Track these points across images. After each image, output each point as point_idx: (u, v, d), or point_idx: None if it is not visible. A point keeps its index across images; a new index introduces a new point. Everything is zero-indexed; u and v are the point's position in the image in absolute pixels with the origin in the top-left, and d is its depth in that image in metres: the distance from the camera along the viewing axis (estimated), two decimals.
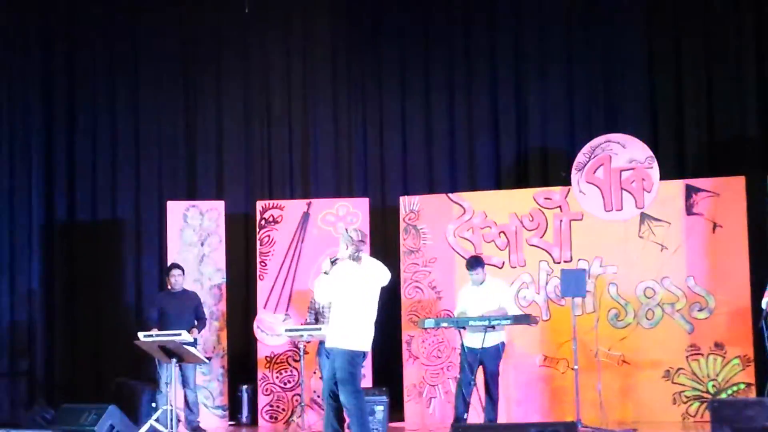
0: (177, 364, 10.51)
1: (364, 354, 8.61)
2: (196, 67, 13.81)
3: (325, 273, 8.58)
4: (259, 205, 12.75)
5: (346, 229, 8.74)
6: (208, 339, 12.29)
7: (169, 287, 11.61)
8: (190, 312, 11.44)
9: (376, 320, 11.96)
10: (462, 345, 10.27)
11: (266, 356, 12.40)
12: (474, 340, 10.22)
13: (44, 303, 13.35)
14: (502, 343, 10.36)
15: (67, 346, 13.34)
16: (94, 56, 13.76)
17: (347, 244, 8.57)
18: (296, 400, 11.84)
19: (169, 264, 11.96)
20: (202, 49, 13.81)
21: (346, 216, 12.46)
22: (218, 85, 13.79)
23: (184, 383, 11.17)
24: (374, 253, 12.26)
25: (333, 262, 8.56)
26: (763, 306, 9.74)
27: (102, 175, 13.64)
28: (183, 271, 11.69)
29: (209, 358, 11.91)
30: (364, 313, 8.59)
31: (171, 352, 10.10)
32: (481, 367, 10.26)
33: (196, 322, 11.41)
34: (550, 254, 11.94)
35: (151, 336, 10.30)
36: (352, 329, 8.50)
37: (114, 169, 13.66)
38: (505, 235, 12.10)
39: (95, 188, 13.64)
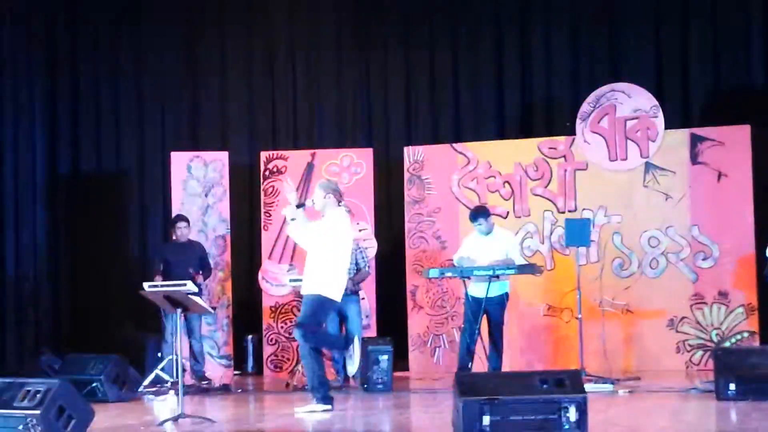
0: (182, 315, 10.53)
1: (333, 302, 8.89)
2: (199, 17, 13.75)
3: (292, 220, 8.80)
4: (263, 155, 12.73)
5: (328, 179, 8.86)
6: (213, 289, 12.33)
7: (175, 238, 11.62)
8: (195, 263, 11.44)
9: (381, 270, 12.12)
10: (466, 294, 10.28)
11: (271, 306, 12.44)
12: (478, 289, 10.22)
13: (49, 255, 13.39)
14: (506, 293, 10.37)
15: (72, 297, 13.39)
16: (98, 8, 13.68)
17: (331, 193, 8.77)
18: None
19: (174, 215, 11.96)
20: (204, 3, 13.71)
21: (351, 166, 12.44)
22: (221, 35, 13.73)
23: (190, 333, 11.21)
24: (378, 204, 12.38)
25: (300, 206, 8.68)
26: (767, 254, 9.73)
27: (105, 126, 13.64)
28: (188, 222, 11.68)
29: (214, 308, 11.94)
30: (343, 263, 8.85)
31: (176, 301, 10.09)
32: (485, 316, 10.27)
33: (200, 272, 11.42)
34: (554, 204, 11.93)
35: (156, 286, 10.29)
36: (332, 277, 8.75)
37: (117, 121, 13.65)
38: (509, 184, 12.09)
39: (99, 140, 13.64)
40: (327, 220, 8.81)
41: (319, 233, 8.76)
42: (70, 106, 13.62)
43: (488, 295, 10.08)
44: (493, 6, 13.13)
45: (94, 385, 9.70)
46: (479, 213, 10.53)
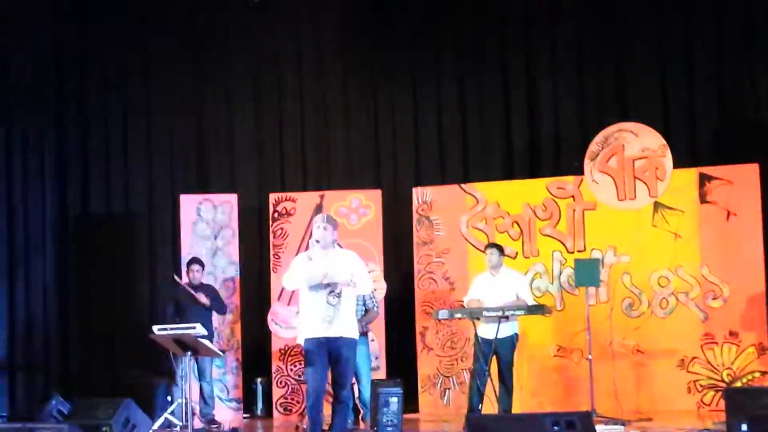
0: (193, 357, 10.53)
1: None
2: (207, 60, 13.78)
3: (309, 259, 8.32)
4: (272, 197, 12.76)
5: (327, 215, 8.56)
6: (222, 332, 12.32)
7: (187, 281, 11.62)
8: (211, 304, 11.45)
9: (391, 311, 12.07)
10: (476, 335, 10.26)
11: (280, 349, 12.41)
12: (488, 330, 10.21)
13: (59, 297, 13.40)
14: (516, 334, 10.35)
15: (82, 340, 13.37)
16: (106, 53, 13.76)
17: (330, 228, 8.35)
18: None
19: (188, 258, 11.97)
20: (211, 42, 13.78)
21: (359, 208, 12.45)
22: (229, 77, 13.76)
23: (200, 376, 11.19)
24: (387, 245, 12.35)
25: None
26: None
27: (115, 168, 13.67)
28: (203, 266, 11.72)
29: (223, 351, 11.93)
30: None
31: (186, 345, 10.11)
32: (495, 357, 10.25)
33: (216, 311, 11.42)
34: (563, 244, 11.92)
35: (165, 329, 10.31)
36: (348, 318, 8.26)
37: (126, 163, 13.68)
38: (518, 225, 12.09)
39: (108, 182, 13.67)
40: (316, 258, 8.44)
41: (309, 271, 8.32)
42: (79, 148, 13.66)
43: (498, 336, 10.06)
44: (500, 46, 13.16)
45: (103, 429, 9.64)
46: (495, 245, 10.61)
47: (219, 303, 11.64)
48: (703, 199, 11.53)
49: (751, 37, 12.26)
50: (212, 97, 13.78)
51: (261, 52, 13.76)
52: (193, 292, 11.25)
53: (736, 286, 11.29)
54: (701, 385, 11.31)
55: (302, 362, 12.03)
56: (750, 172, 11.38)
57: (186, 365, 10.24)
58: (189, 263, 11.72)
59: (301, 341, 8.45)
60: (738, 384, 11.04)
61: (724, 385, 11.06)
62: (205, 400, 11.30)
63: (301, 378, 12.24)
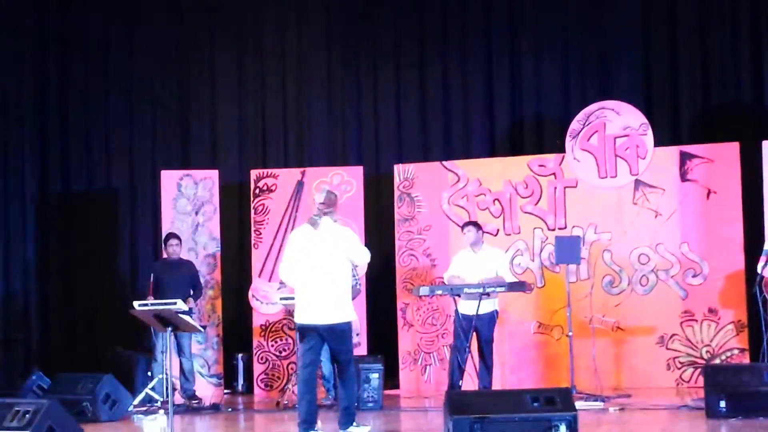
0: (172, 333, 10.51)
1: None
2: (190, 35, 13.75)
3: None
4: (254, 173, 12.73)
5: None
6: (203, 307, 12.31)
7: (166, 256, 11.62)
8: (186, 281, 11.44)
9: (372, 287, 12.07)
10: (456, 312, 10.28)
11: (261, 325, 12.42)
12: (468, 307, 10.22)
13: (39, 273, 13.39)
14: (496, 311, 10.38)
15: (62, 316, 13.37)
16: (88, 27, 13.71)
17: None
18: (291, 369, 11.86)
19: (166, 233, 11.96)
20: (195, 17, 13.74)
21: (341, 184, 12.44)
22: (212, 54, 13.73)
23: (180, 352, 11.19)
24: (369, 222, 12.34)
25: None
26: (759, 270, 9.74)
27: (96, 145, 13.65)
28: (180, 240, 11.70)
29: (204, 327, 11.93)
30: (326, 282, 8.23)
31: (166, 320, 10.07)
32: (475, 334, 10.27)
33: (192, 291, 11.41)
34: (544, 221, 11.95)
35: (146, 305, 10.30)
36: (330, 302, 8.24)
37: (107, 139, 13.66)
38: (499, 202, 12.11)
39: (89, 159, 13.65)
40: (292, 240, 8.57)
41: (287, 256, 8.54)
42: (60, 125, 13.62)
43: (479, 313, 10.08)
44: (484, 24, 13.13)
45: (84, 404, 9.68)
46: (471, 222, 10.62)
47: (199, 290, 11.58)
48: (683, 177, 11.56)
49: (735, 16, 12.25)
50: (195, 73, 13.74)
51: (244, 30, 13.71)
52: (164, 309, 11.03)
53: (716, 263, 11.34)
54: (680, 362, 11.37)
55: (281, 338, 12.17)
56: (730, 150, 11.41)
57: (166, 341, 10.24)
58: (166, 238, 11.70)
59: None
60: (717, 361, 11.10)
61: (703, 362, 11.11)
62: (186, 375, 11.31)
63: (282, 354, 12.27)
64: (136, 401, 10.72)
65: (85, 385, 9.84)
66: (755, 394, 8.63)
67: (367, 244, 12.01)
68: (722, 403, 8.64)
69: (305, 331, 8.33)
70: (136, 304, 10.27)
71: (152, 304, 10.35)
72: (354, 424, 8.39)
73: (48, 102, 13.62)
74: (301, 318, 8.31)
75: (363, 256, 8.48)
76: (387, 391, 10.81)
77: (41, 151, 13.54)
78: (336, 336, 8.26)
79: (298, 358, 8.61)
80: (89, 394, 9.73)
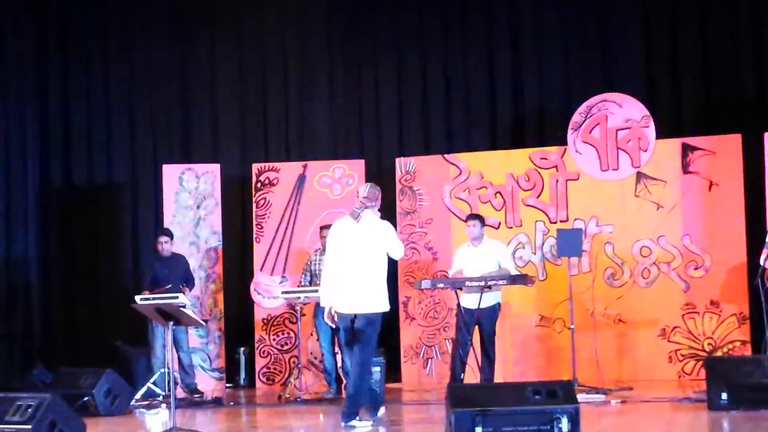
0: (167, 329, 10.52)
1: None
2: (191, 29, 13.74)
3: None
4: (255, 167, 12.73)
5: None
6: (204, 302, 12.31)
7: (157, 253, 11.61)
8: (178, 276, 11.40)
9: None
10: (458, 305, 10.27)
11: (263, 318, 12.42)
12: (470, 300, 10.21)
13: (41, 267, 13.39)
14: (498, 303, 10.37)
15: (64, 310, 13.37)
16: (88, 20, 13.69)
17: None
18: (293, 362, 11.86)
19: (157, 230, 11.96)
20: (196, 11, 13.72)
21: (342, 178, 12.45)
22: (213, 47, 13.72)
23: (177, 346, 11.18)
24: None
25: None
26: (761, 263, 9.71)
27: (97, 139, 13.65)
28: (171, 237, 11.64)
29: (206, 321, 11.92)
30: (365, 274, 8.50)
31: (167, 314, 10.08)
32: (477, 327, 10.27)
33: (184, 283, 11.40)
34: (546, 214, 11.94)
35: (148, 299, 10.29)
36: (369, 292, 8.49)
37: (109, 133, 13.65)
38: (501, 195, 12.10)
39: (91, 153, 13.64)
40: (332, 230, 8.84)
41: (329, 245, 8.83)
42: (62, 118, 13.61)
43: (481, 306, 10.08)
44: (485, 17, 13.12)
45: (85, 399, 9.68)
46: (476, 216, 10.60)
47: (190, 283, 11.56)
48: (685, 169, 11.55)
49: (737, 7, 12.22)
50: (196, 67, 13.73)
51: (245, 24, 13.70)
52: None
53: (718, 256, 11.32)
54: (682, 355, 11.36)
55: (283, 332, 12.17)
56: (732, 142, 11.39)
57: (166, 335, 10.24)
58: (157, 235, 11.67)
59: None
60: (719, 353, 11.09)
61: (704, 354, 11.10)
62: (185, 370, 11.30)
63: (284, 348, 12.26)
64: (138, 395, 10.72)
65: (86, 379, 9.85)
66: (757, 387, 8.62)
67: None
68: (724, 396, 8.63)
69: (343, 321, 8.58)
70: (137, 298, 10.27)
71: (154, 298, 10.34)
72: (357, 417, 8.42)
73: (49, 96, 13.60)
74: (341, 308, 8.55)
75: (400, 250, 8.78)
76: (389, 385, 10.80)
77: (42, 145, 13.52)
78: (367, 321, 8.48)
79: (340, 344, 8.77)
80: (91, 389, 9.73)
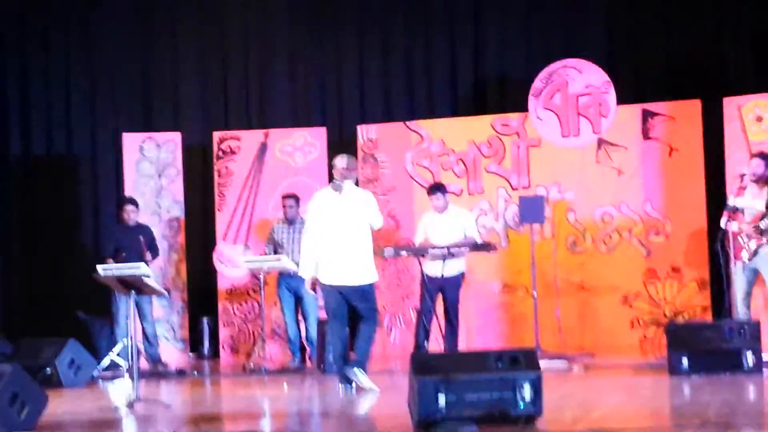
0: (134, 298, 10.47)
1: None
2: (153, 2, 13.59)
3: None
4: (216, 135, 12.65)
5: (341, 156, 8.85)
6: (167, 271, 12.26)
7: (122, 222, 11.53)
8: (141, 245, 11.31)
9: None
10: (422, 274, 10.29)
11: (226, 288, 12.38)
12: (434, 268, 10.24)
13: (0, 237, 13.24)
14: (462, 272, 10.40)
15: (24, 281, 13.26)
16: None
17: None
18: (257, 332, 11.85)
19: (119, 199, 11.87)
20: None
21: (304, 146, 12.41)
22: (174, 14, 13.60)
23: (141, 316, 11.13)
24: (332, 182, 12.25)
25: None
26: (722, 225, 9.77)
27: (56, 108, 13.50)
28: (137, 205, 11.56)
29: (168, 291, 11.87)
30: (351, 244, 8.58)
31: (130, 284, 10.03)
32: (441, 295, 10.30)
33: (148, 252, 11.33)
34: (508, 181, 11.96)
35: (110, 269, 10.23)
36: (356, 263, 8.59)
37: (68, 102, 13.51)
38: (463, 162, 12.10)
39: (50, 122, 13.50)
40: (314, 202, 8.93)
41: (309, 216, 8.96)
42: (19, 88, 13.44)
43: (445, 275, 10.11)
44: None
45: (47, 370, 9.63)
46: (438, 188, 10.57)
47: (155, 252, 11.50)
48: (645, 135, 11.59)
49: None
50: (156, 35, 13.60)
51: None
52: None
53: (678, 222, 11.40)
54: (644, 321, 11.44)
55: (247, 302, 12.13)
56: (692, 108, 11.43)
57: (128, 306, 10.21)
58: (123, 203, 11.58)
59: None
60: (679, 319, 11.19)
61: (666, 320, 11.19)
62: (149, 340, 11.25)
63: (248, 318, 12.24)
64: (101, 366, 10.67)
65: (48, 350, 9.79)
66: (717, 352, 8.72)
67: None
68: (684, 361, 8.72)
69: (329, 292, 8.67)
70: (99, 268, 10.21)
71: (116, 269, 10.28)
72: (363, 372, 8.61)
73: (7, 66, 13.42)
74: (327, 279, 8.65)
75: (380, 220, 8.86)
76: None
77: (1, 117, 13.36)
78: (361, 295, 8.64)
79: (331, 317, 8.87)
80: (53, 359, 9.68)
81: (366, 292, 8.67)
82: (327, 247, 8.62)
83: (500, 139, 11.99)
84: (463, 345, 10.77)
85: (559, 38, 12.62)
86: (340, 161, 8.78)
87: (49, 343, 9.93)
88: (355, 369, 8.61)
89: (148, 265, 10.79)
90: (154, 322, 11.46)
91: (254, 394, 9.26)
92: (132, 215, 11.41)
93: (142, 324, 11.17)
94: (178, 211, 12.53)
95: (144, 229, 11.51)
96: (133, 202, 11.56)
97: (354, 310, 8.80)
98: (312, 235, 8.72)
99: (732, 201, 9.71)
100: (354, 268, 8.59)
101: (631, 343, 11.33)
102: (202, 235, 12.97)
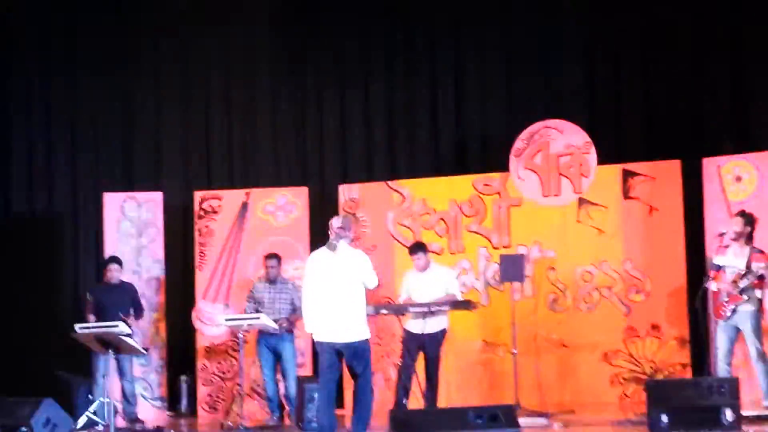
0: (114, 356, 10.42)
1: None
2: (134, 58, 13.66)
3: None
4: (198, 195, 12.66)
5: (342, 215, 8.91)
6: (146, 330, 12.19)
7: (105, 280, 11.50)
8: (127, 304, 11.30)
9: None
10: (404, 330, 10.29)
11: (206, 346, 12.32)
12: (416, 325, 10.23)
13: None
14: (444, 329, 10.38)
15: (2, 340, 13.14)
16: (31, 47, 13.57)
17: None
18: (236, 390, 11.77)
19: (106, 257, 11.85)
20: (140, 38, 13.67)
21: (286, 205, 12.41)
22: (156, 73, 13.67)
23: (121, 375, 11.07)
24: (314, 241, 12.27)
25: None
26: (705, 284, 9.81)
27: (38, 167, 13.50)
28: (120, 264, 11.57)
29: (147, 349, 11.80)
30: (346, 302, 8.61)
31: (108, 343, 9.99)
32: (421, 352, 10.27)
33: (134, 312, 11.29)
34: (489, 240, 11.97)
35: (87, 327, 10.18)
36: (350, 321, 8.60)
37: (49, 161, 13.52)
38: (444, 221, 12.12)
39: (31, 181, 13.49)
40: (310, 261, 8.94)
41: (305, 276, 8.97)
42: (1, 146, 13.45)
43: (427, 332, 10.10)
44: (428, 44, 13.18)
45: (23, 429, 9.50)
46: (419, 248, 10.60)
47: (140, 311, 11.48)
48: (626, 194, 11.64)
49: (675, 35, 12.36)
50: (139, 95, 13.65)
51: (189, 50, 13.67)
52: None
53: (658, 280, 11.41)
54: (624, 378, 11.41)
55: (226, 360, 12.06)
56: (672, 168, 11.50)
57: (107, 364, 10.14)
58: (107, 262, 11.59)
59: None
60: (659, 376, 11.15)
61: (646, 377, 11.16)
62: (128, 398, 11.18)
63: (225, 375, 12.17)
64: (78, 425, 10.56)
65: (24, 409, 9.65)
66: (697, 409, 8.68)
67: None
68: (664, 418, 8.68)
69: (324, 350, 8.68)
70: (77, 326, 10.15)
71: (94, 327, 10.24)
72: None
73: None
74: (321, 336, 8.67)
75: (374, 280, 8.87)
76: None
77: None
78: (355, 353, 8.63)
79: (321, 374, 8.85)
80: (29, 419, 9.54)
81: (360, 349, 8.66)
82: (321, 305, 8.66)
83: (482, 199, 12.03)
84: (443, 402, 10.69)
85: (540, 99, 12.72)
86: (336, 221, 8.89)
87: (25, 402, 9.80)
88: None
89: (131, 324, 10.78)
90: (134, 381, 11.38)
91: None
92: (116, 274, 11.41)
93: (121, 382, 11.09)
94: (158, 270, 12.50)
95: (127, 288, 11.49)
96: (117, 261, 11.57)
97: (350, 369, 8.77)
98: (308, 293, 8.77)
99: (716, 260, 9.78)
100: (348, 325, 8.61)
101: (611, 401, 11.28)
102: (182, 294, 12.90)
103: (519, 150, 11.74)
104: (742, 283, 9.71)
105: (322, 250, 8.82)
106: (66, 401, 10.84)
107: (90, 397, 11.12)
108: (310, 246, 12.22)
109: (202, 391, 12.26)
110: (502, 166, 11.88)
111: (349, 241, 8.84)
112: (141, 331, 11.95)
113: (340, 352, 8.65)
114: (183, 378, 12.42)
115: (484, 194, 12.05)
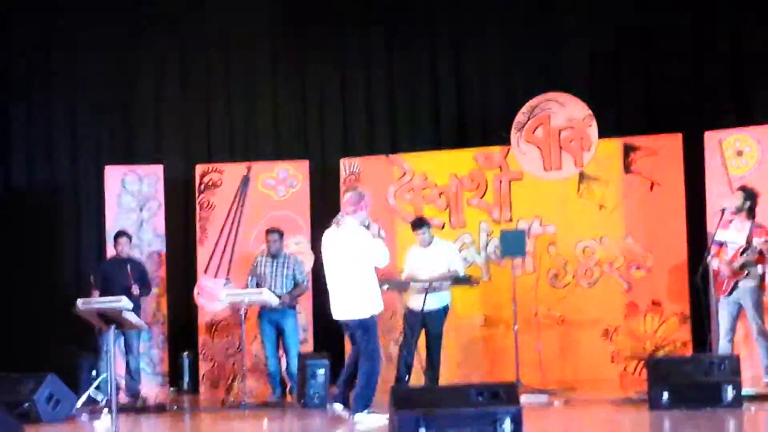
0: (120, 332, 10.41)
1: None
2: (134, 31, 13.60)
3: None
4: (199, 168, 12.64)
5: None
6: (148, 305, 12.20)
7: (115, 254, 11.49)
8: (129, 279, 11.28)
9: (319, 282, 12.00)
10: (406, 307, 10.31)
11: (206, 322, 12.33)
12: (417, 302, 10.24)
13: None
14: (446, 306, 10.40)
15: (4, 315, 13.16)
16: (31, 20, 13.50)
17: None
18: (237, 366, 11.79)
19: (115, 231, 11.83)
20: (140, 12, 13.60)
21: (287, 179, 12.40)
22: (156, 47, 13.61)
23: (128, 350, 11.09)
24: (315, 216, 12.27)
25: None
26: (707, 260, 9.80)
27: (38, 140, 13.48)
28: (130, 238, 11.59)
29: (149, 325, 11.80)
30: (345, 279, 8.63)
31: (110, 318, 9.98)
32: (423, 329, 10.28)
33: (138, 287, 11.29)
34: (490, 214, 11.96)
35: (89, 303, 10.16)
36: (354, 298, 8.62)
37: (50, 134, 13.49)
38: (445, 196, 12.11)
39: (31, 154, 13.46)
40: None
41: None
42: (1, 119, 13.41)
43: (429, 308, 10.12)
44: (428, 17, 13.14)
45: (26, 405, 9.54)
46: (423, 222, 10.61)
47: (146, 287, 11.48)
48: (627, 169, 11.62)
49: (677, 9, 12.29)
50: (139, 68, 13.60)
51: (188, 24, 13.61)
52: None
53: (659, 256, 11.40)
54: (624, 355, 11.42)
55: (228, 336, 12.05)
56: (673, 142, 11.47)
57: (110, 339, 10.13)
58: (116, 236, 11.57)
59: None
60: (660, 353, 11.17)
61: (647, 354, 11.17)
62: (132, 375, 11.22)
63: (228, 352, 12.17)
64: (80, 401, 10.59)
65: (27, 385, 9.70)
66: (697, 386, 8.70)
67: (313, 240, 12.07)
68: (665, 395, 8.70)
69: (340, 326, 8.89)
70: (79, 302, 10.13)
71: (96, 302, 10.22)
72: (366, 410, 8.55)
73: None
74: (334, 314, 8.81)
75: (380, 257, 8.79)
76: (334, 387, 10.77)
77: None
78: (358, 329, 8.67)
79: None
80: (32, 395, 9.59)
81: (363, 326, 8.66)
82: (329, 282, 8.78)
83: (482, 173, 12.01)
84: (445, 379, 10.72)
85: (541, 72, 12.66)
86: (344, 197, 8.99)
87: (28, 377, 9.84)
88: (355, 416, 8.57)
89: (135, 299, 10.78)
90: (139, 357, 11.41)
91: (234, 429, 9.21)
92: (125, 248, 11.40)
93: (126, 358, 11.13)
94: (160, 244, 12.50)
95: (135, 264, 11.48)
96: (127, 234, 11.56)
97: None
98: (325, 271, 8.87)
99: (718, 235, 9.77)
100: (350, 301, 8.64)
101: (611, 377, 11.31)
102: (184, 269, 12.91)
103: (520, 123, 11.71)
104: (743, 259, 9.70)
105: (332, 227, 8.84)
106: (70, 377, 10.89)
107: (94, 372, 11.14)
108: (311, 220, 12.24)
109: (203, 367, 12.28)
110: (504, 140, 11.86)
111: (364, 217, 8.74)
112: (143, 306, 11.96)
113: (350, 327, 8.72)
114: (185, 354, 12.43)
115: (485, 168, 12.03)
